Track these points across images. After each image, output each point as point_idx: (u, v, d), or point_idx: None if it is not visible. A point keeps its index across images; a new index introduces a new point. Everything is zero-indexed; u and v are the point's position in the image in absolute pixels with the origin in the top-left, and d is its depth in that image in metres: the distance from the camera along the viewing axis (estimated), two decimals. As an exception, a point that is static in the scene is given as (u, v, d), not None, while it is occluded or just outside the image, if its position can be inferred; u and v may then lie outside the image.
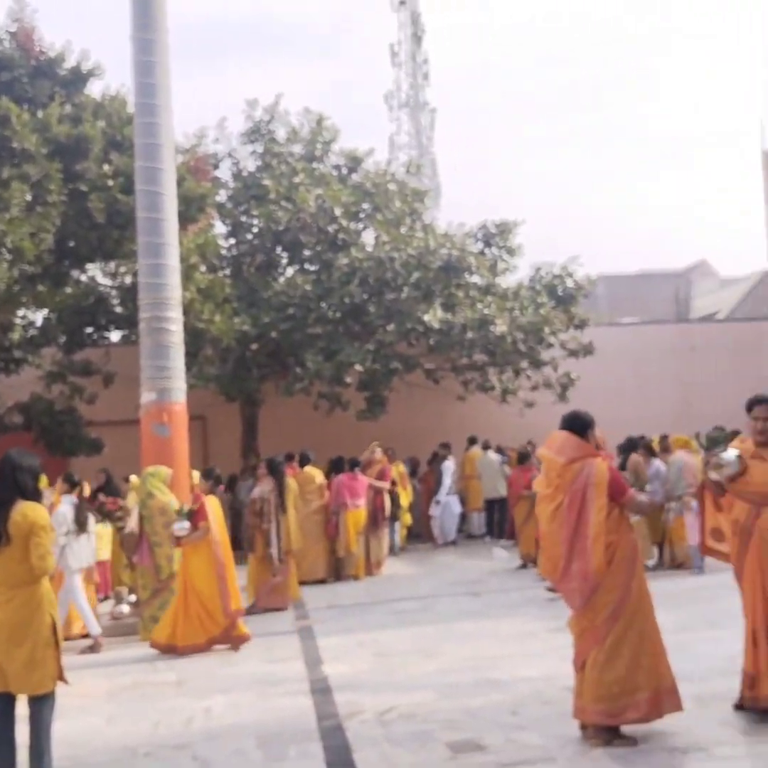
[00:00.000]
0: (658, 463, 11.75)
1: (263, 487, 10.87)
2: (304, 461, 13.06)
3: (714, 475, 5.48)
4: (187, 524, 8.50)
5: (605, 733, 5.03)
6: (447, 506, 16.14)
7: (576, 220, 78.46)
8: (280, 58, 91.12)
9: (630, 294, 37.86)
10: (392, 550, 14.52)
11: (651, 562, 11.32)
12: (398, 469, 15.44)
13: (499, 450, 17.15)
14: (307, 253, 17.34)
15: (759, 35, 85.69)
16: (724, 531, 5.57)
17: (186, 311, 11.80)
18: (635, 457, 11.85)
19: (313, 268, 17.29)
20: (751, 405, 5.49)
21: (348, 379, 16.23)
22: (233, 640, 8.43)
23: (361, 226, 18.00)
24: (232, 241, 17.79)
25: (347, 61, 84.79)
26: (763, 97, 78.00)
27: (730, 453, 5.43)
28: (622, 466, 11.41)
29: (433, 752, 5.16)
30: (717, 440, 5.63)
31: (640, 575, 5.20)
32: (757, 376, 19.73)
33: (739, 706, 5.37)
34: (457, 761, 5.00)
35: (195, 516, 8.58)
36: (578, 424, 5.38)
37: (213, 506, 8.73)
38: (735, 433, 10.79)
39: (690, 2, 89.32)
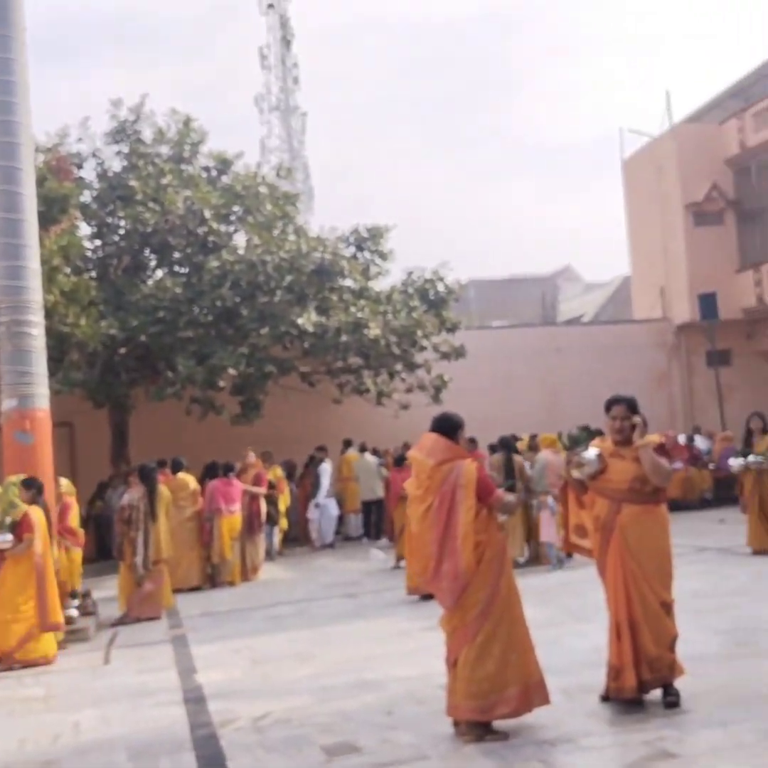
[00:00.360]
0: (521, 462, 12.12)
1: (133, 495, 10.63)
2: (176, 467, 12.83)
3: (576, 474, 5.65)
4: (10, 537, 8.27)
5: (477, 728, 5.11)
6: (325, 509, 16.15)
7: (447, 226, 79.93)
8: (145, 57, 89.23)
9: (499, 298, 38.77)
10: (269, 555, 14.41)
11: (522, 559, 11.61)
12: (275, 473, 15.34)
13: (376, 452, 17.28)
14: (176, 255, 17.07)
15: (618, 49, 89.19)
16: (587, 527, 5.75)
17: (49, 315, 11.42)
18: (498, 457, 12.12)
19: (182, 270, 17.03)
20: (609, 405, 5.68)
21: (221, 384, 16.03)
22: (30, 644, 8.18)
23: (231, 228, 17.85)
24: (98, 242, 17.32)
25: (216, 63, 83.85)
26: (622, 107, 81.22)
27: (591, 452, 5.61)
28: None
29: (309, 756, 5.14)
30: (578, 439, 5.83)
31: (509, 573, 5.30)
32: (619, 377, 20.53)
33: (605, 698, 5.52)
34: (332, 764, 4.99)
35: (19, 527, 8.32)
36: (447, 426, 5.46)
37: (37, 517, 8.46)
38: (597, 432, 11.21)
39: (555, 14, 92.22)
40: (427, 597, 8.30)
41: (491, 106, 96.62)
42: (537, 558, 11.83)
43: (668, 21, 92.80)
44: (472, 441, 17.64)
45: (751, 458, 11.19)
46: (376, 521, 16.52)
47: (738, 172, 23.13)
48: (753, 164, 22.65)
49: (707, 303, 20.94)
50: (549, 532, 11.27)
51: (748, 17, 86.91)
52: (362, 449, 17.05)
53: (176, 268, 17.20)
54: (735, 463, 11.54)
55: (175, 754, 5.39)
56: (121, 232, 16.93)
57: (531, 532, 11.95)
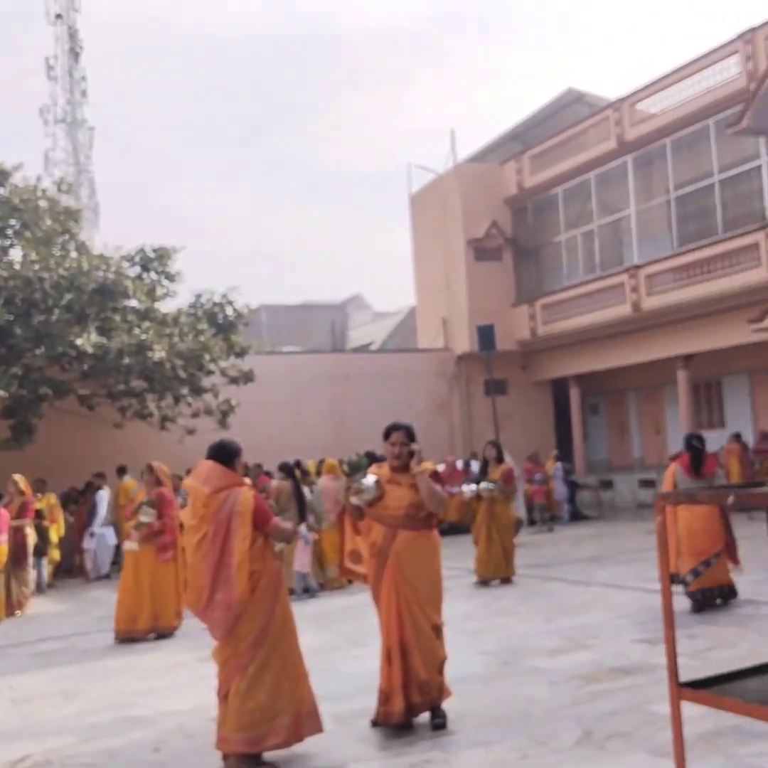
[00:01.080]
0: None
1: None
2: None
3: (355, 500, 5.72)
4: None
5: (247, 761, 5.03)
6: (101, 538, 15.48)
7: (239, 250, 79.50)
8: None
9: (291, 324, 38.93)
10: (39, 588, 13.64)
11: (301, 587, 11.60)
12: (49, 501, 14.56)
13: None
14: (-55, 267, 15.99)
15: (410, 84, 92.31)
16: (362, 553, 5.83)
17: None
18: (278, 484, 12.07)
19: (-48, 285, 15.96)
20: (389, 432, 5.80)
21: (-10, 406, 15.13)
22: None
23: (7, 242, 16.96)
24: None
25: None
26: (410, 143, 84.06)
27: (369, 479, 5.70)
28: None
29: (69, 801, 4.88)
30: (358, 465, 5.89)
31: (284, 601, 5.27)
32: (403, 404, 21.10)
33: (376, 723, 5.60)
34: (93, 808, 4.76)
35: None
36: (224, 454, 5.39)
37: None
38: (381, 458, 11.40)
39: (350, 46, 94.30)
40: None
41: (286, 133, 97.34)
42: (324, 583, 11.83)
43: (457, 60, 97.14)
44: (259, 466, 17.77)
45: (482, 485, 11.48)
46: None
47: (516, 211, 24.46)
48: (529, 204, 24.04)
49: (485, 334, 21.90)
50: (302, 561, 11.26)
51: (531, 61, 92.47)
52: (121, 471, 16.41)
53: (-57, 281, 16.10)
54: (467, 490, 11.83)
55: None
56: None
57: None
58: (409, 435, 5.73)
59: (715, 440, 19.39)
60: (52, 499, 14.88)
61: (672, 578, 10.24)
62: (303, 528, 11.09)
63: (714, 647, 6.96)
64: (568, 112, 25.00)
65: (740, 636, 7.25)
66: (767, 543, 11.06)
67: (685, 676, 3.19)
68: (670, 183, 20.35)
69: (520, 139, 25.85)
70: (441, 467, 16.02)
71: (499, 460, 11.70)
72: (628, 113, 21.14)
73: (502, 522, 11.50)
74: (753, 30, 18.36)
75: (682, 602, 8.31)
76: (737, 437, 18.75)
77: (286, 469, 11.98)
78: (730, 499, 3.13)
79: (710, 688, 3.11)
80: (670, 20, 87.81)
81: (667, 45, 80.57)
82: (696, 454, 8.76)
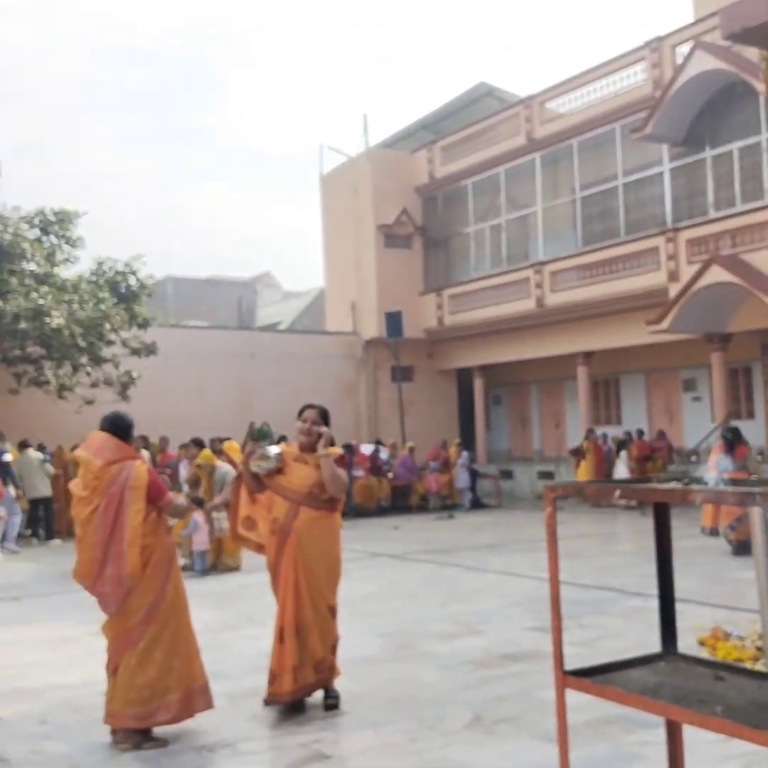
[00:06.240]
0: (226, 467, 11.82)
1: None
2: None
3: (255, 467, 5.67)
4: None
5: (135, 736, 4.96)
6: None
7: (145, 220, 77.81)
8: None
9: (198, 298, 38.33)
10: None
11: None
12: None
13: (41, 448, 16.35)
14: None
15: (327, 64, 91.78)
16: (256, 520, 5.80)
17: None
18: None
19: None
20: (303, 409, 5.80)
21: None
22: None
23: None
24: None
25: None
26: (323, 123, 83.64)
27: (274, 448, 5.67)
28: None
29: (-54, 775, 4.73)
30: (266, 433, 5.81)
31: (176, 578, 5.19)
32: (309, 386, 21.06)
33: (268, 702, 5.59)
34: (-28, 781, 4.64)
35: None
36: (118, 426, 5.26)
37: None
38: (283, 438, 11.30)
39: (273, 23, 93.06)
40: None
41: (199, 107, 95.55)
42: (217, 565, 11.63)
43: (371, 46, 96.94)
44: (165, 439, 17.52)
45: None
46: (45, 518, 15.68)
47: (426, 200, 24.60)
48: (440, 194, 24.21)
49: (393, 321, 22.06)
50: (199, 539, 11.16)
51: (445, 53, 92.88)
52: (24, 445, 15.91)
53: None
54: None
55: None
56: None
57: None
58: (322, 416, 5.75)
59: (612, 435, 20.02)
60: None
61: (710, 531, 11.76)
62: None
63: (602, 637, 7.14)
64: (479, 106, 25.28)
65: (627, 627, 7.47)
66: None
67: (572, 664, 3.26)
68: (576, 183, 20.78)
69: (431, 129, 26.00)
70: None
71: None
72: (538, 111, 21.49)
73: None
74: (660, 39, 18.88)
75: (569, 592, 8.54)
76: (591, 432, 19.34)
77: (197, 444, 11.91)
78: (617, 493, 3.35)
79: (594, 676, 3.19)
80: (584, 23, 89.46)
81: (581, 47, 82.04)
82: (728, 442, 11.28)
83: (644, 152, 19.10)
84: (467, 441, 22.38)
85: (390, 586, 10.14)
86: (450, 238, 24.31)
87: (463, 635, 7.44)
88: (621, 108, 19.44)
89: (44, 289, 16.30)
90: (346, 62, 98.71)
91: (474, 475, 19.90)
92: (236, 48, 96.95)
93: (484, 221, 23.33)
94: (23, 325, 15.41)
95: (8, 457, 15.02)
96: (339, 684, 5.65)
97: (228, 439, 13.12)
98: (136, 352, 18.12)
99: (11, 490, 14.71)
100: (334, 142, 53.56)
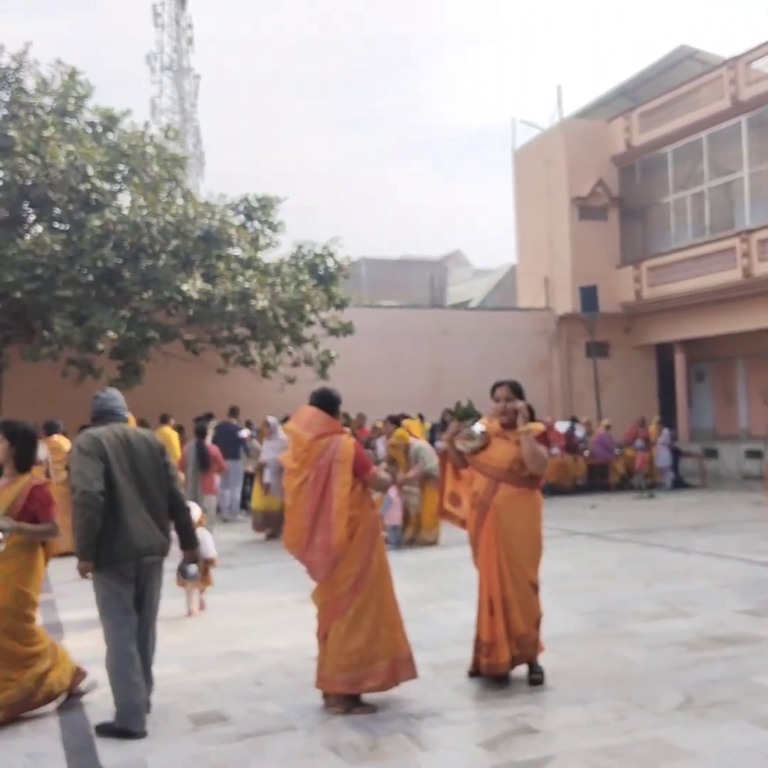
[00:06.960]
0: (419, 443, 11.96)
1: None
2: (50, 429, 12.37)
3: (460, 446, 5.71)
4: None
5: (346, 701, 5.13)
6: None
7: (341, 203, 79.64)
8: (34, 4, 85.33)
9: (390, 278, 38.88)
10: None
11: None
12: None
13: (248, 424, 16.94)
14: (57, 211, 16.37)
15: (515, 40, 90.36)
16: (461, 497, 5.84)
17: None
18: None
19: (63, 227, 16.35)
20: (494, 388, 5.78)
21: (100, 347, 15.55)
22: None
23: (116, 187, 17.26)
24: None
25: (106, 17, 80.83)
26: (516, 98, 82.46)
27: (479, 427, 5.67)
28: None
29: (175, 725, 5.05)
30: (470, 412, 5.82)
31: (381, 549, 5.31)
32: (501, 363, 20.91)
33: (473, 673, 5.63)
34: (198, 733, 4.92)
35: None
36: (326, 401, 5.43)
37: None
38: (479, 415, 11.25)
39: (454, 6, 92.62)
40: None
41: (390, 88, 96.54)
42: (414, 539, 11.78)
43: (564, 16, 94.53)
44: (362, 416, 17.89)
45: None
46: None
47: (623, 170, 23.78)
48: (637, 163, 23.33)
49: (588, 296, 21.50)
50: (394, 513, 11.29)
51: (642, 19, 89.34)
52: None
53: (56, 224, 16.49)
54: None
55: (36, 720, 5.23)
56: (-1, 182, 16.22)
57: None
58: (515, 391, 5.70)
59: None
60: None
61: None
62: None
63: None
64: (679, 70, 24.07)
65: None
66: None
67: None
68: (788, 144, 19.49)
69: (629, 96, 25.01)
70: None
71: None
72: (743, 72, 20.22)
73: None
74: None
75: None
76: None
77: (394, 421, 12.08)
78: None
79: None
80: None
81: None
82: None
83: None
84: (668, 419, 21.58)
85: (589, 564, 9.96)
86: (648, 208, 23.42)
87: (670, 616, 7.21)
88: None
89: (249, 272, 16.99)
90: (539, 34, 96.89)
91: (676, 453, 19.17)
92: (428, 25, 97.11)
93: (684, 189, 22.32)
94: (230, 307, 16.13)
95: (244, 433, 15.84)
96: (542, 660, 5.62)
97: (407, 416, 13.13)
98: (333, 332, 18.58)
99: (240, 465, 15.48)
100: (527, 116, 52.73)
